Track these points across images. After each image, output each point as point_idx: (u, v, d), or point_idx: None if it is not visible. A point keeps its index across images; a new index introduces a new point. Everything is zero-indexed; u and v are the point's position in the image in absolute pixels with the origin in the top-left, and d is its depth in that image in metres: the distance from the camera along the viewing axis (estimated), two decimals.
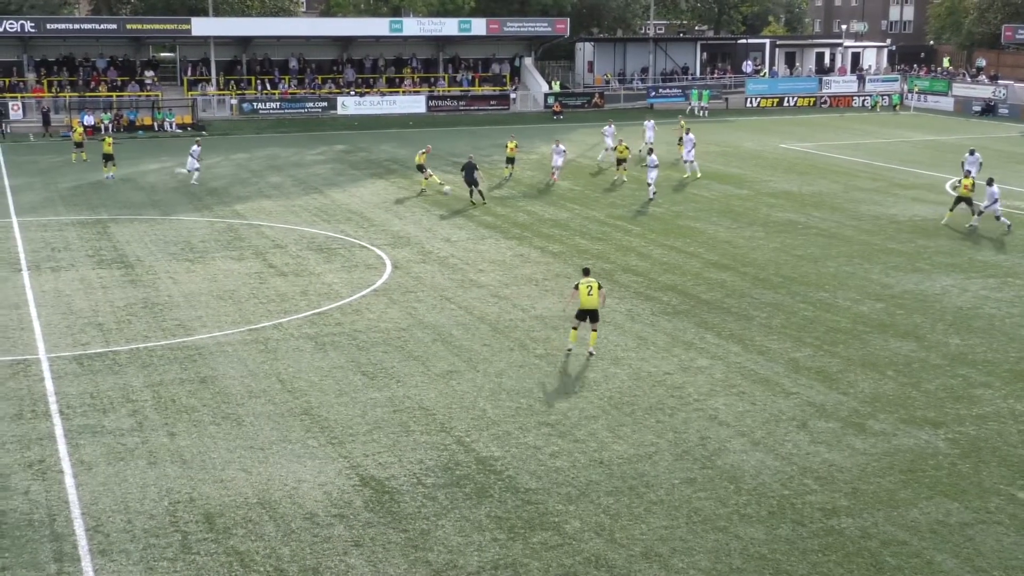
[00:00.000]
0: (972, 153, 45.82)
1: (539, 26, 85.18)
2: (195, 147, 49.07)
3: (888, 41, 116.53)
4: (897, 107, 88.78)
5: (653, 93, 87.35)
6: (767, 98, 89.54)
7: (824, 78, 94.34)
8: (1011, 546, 16.42)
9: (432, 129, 70.83)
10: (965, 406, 22.24)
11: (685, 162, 51.24)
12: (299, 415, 21.46)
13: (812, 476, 18.84)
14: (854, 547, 16.38)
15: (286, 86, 79.31)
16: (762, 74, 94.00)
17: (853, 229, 39.59)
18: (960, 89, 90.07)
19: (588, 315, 25.09)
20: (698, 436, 20.56)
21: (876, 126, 75.95)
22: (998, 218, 39.16)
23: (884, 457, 19.66)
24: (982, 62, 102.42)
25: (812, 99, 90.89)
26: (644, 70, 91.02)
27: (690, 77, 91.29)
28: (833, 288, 31.34)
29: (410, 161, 55.87)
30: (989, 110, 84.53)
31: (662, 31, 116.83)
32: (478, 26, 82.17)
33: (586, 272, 25.84)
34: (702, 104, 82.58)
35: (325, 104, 78.38)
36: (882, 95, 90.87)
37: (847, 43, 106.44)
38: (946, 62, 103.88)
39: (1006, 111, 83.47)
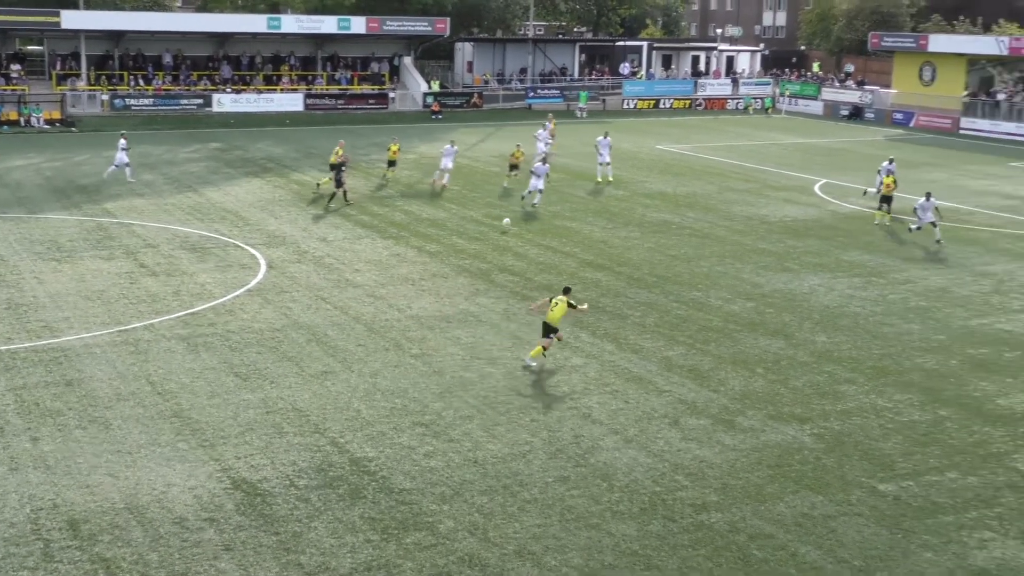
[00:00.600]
0: (891, 162, 46.59)
1: (419, 25, 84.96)
2: (122, 140, 47.93)
3: (761, 46, 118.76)
4: (769, 110, 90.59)
5: (532, 94, 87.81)
6: (644, 100, 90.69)
7: (699, 81, 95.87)
8: (871, 536, 16.91)
9: (310, 128, 70.22)
10: (830, 402, 22.81)
11: (600, 165, 50.97)
12: (169, 418, 21.09)
13: (683, 472, 19.14)
14: (723, 541, 16.69)
15: (160, 82, 77.84)
16: (639, 76, 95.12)
17: (726, 229, 40.31)
18: (829, 94, 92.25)
19: (547, 329, 24.55)
20: (572, 434, 20.74)
21: (749, 128, 77.44)
22: (917, 228, 39.37)
23: (753, 453, 20.07)
24: (850, 68, 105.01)
25: (688, 101, 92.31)
26: (523, 71, 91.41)
27: (568, 78, 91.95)
28: (706, 287, 31.88)
29: (286, 159, 55.43)
30: (856, 114, 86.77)
31: (541, 32, 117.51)
32: (357, 24, 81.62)
33: (566, 291, 25.19)
34: (580, 105, 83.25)
35: (200, 101, 77.13)
36: (755, 98, 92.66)
37: (722, 47, 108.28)
38: (816, 67, 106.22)
39: (872, 115, 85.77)
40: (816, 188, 50.46)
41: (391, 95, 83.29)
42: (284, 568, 15.66)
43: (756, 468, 19.39)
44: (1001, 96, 78.38)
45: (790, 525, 17.26)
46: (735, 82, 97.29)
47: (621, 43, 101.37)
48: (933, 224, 38.05)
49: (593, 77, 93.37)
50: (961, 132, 77.11)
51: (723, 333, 27.49)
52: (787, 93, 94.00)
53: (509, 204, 44.12)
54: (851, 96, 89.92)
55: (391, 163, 49.24)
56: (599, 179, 50.19)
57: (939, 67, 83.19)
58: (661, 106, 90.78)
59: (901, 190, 43.27)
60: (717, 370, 24.66)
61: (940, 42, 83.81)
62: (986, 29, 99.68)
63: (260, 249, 35.30)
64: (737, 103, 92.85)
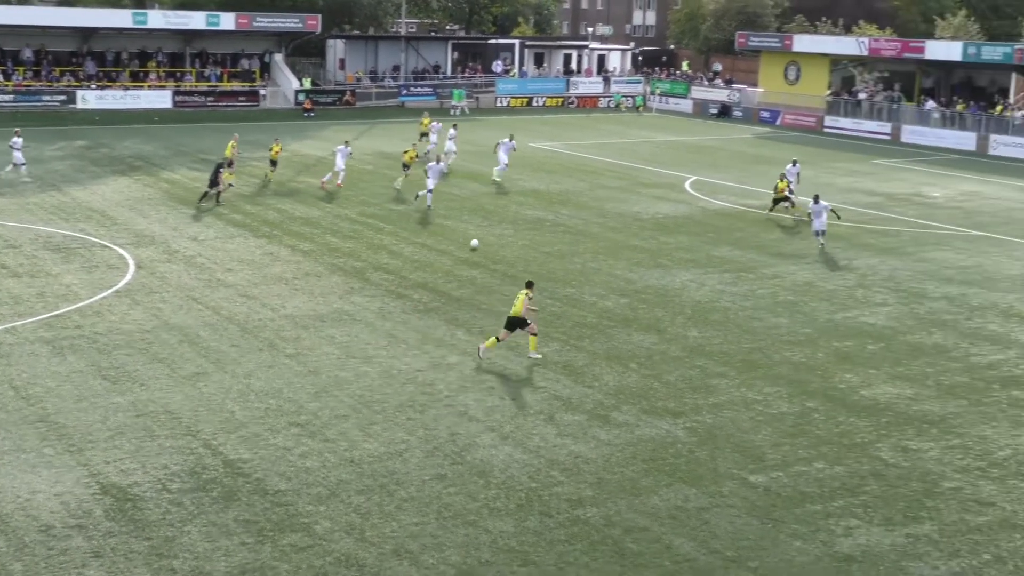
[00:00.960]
0: (794, 164, 47.31)
1: (290, 22, 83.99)
2: (16, 139, 46.41)
3: (632, 44, 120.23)
4: (640, 108, 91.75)
5: (405, 92, 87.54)
6: (517, 98, 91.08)
7: (571, 79, 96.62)
8: (743, 527, 17.26)
9: (179, 125, 68.97)
10: (703, 396, 23.21)
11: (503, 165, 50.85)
12: (34, 423, 20.52)
13: (559, 468, 19.29)
14: (599, 535, 16.86)
15: (20, 78, 75.66)
16: (512, 74, 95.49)
17: (599, 226, 40.72)
18: (698, 92, 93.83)
19: (516, 324, 24.72)
20: (448, 432, 20.75)
21: (621, 126, 78.32)
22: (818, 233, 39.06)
23: (627, 447, 20.32)
24: (718, 67, 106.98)
25: (560, 99, 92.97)
26: (396, 68, 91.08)
27: (441, 76, 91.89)
28: (580, 284, 32.16)
29: (155, 158, 54.35)
30: (725, 112, 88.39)
31: (414, 30, 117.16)
32: (226, 20, 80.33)
33: (528, 285, 25.45)
34: (454, 103, 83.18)
35: (64, 97, 75.14)
36: (626, 96, 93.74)
37: (593, 45, 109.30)
38: (685, 66, 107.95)
39: (740, 113, 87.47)
40: (687, 185, 51.28)
41: (262, 92, 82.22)
42: (156, 574, 15.37)
43: (631, 462, 19.64)
44: (862, 95, 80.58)
45: (664, 518, 17.52)
46: (606, 80, 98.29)
47: (494, 41, 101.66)
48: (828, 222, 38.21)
49: (466, 75, 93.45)
50: (825, 130, 79.07)
51: (597, 329, 27.77)
52: (657, 91, 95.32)
53: (404, 207, 43.94)
54: (719, 95, 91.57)
55: (273, 163, 48.38)
56: (496, 179, 50.12)
57: (803, 67, 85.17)
58: (534, 104, 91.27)
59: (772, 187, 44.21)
60: (591, 366, 24.90)
61: (804, 42, 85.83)
62: (847, 30, 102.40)
63: (128, 249, 34.55)
64: (609, 101, 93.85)
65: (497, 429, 20.97)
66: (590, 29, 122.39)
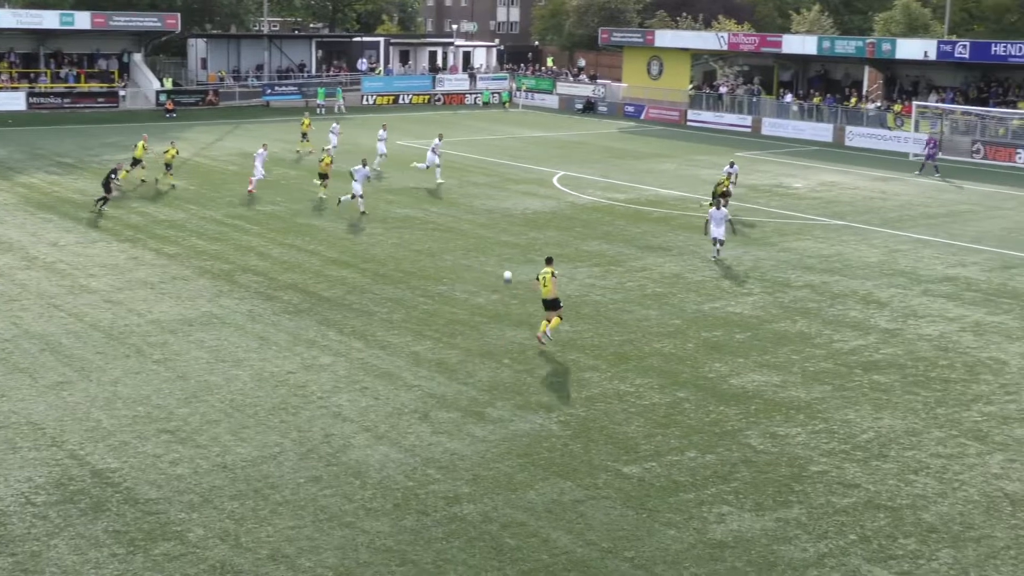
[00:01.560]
0: (732, 165, 47.48)
1: (148, 21, 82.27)
2: None
3: (497, 41, 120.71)
4: (507, 104, 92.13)
5: (269, 91, 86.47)
6: (383, 96, 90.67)
7: (437, 76, 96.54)
8: (618, 518, 17.46)
9: (35, 128, 67.09)
10: (575, 389, 23.41)
11: (437, 166, 50.31)
12: None
13: (435, 466, 19.27)
14: (476, 532, 16.89)
15: None
16: (377, 72, 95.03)
17: (469, 223, 40.77)
18: (564, 88, 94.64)
19: (548, 304, 25.85)
20: (322, 434, 20.57)
21: (487, 123, 78.53)
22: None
23: (502, 443, 20.39)
24: (582, 62, 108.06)
25: (427, 96, 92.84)
26: (259, 67, 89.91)
27: (306, 75, 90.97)
28: (451, 281, 32.16)
29: (10, 161, 52.76)
30: (590, 107, 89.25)
31: (277, 28, 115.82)
32: (82, 20, 78.32)
33: (548, 261, 26.44)
34: (319, 102, 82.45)
35: None
36: (492, 92, 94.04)
37: (458, 42, 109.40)
38: (550, 62, 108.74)
39: (605, 108, 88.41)
40: (554, 180, 51.64)
41: (121, 93, 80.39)
42: None
43: (506, 458, 19.71)
44: (723, 89, 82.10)
45: (541, 512, 17.63)
46: (472, 77, 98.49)
47: (358, 39, 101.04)
48: (726, 233, 35.21)
49: (331, 73, 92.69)
50: (688, 124, 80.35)
51: (470, 326, 27.81)
52: (523, 88, 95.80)
53: (273, 208, 43.35)
54: (584, 90, 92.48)
55: (136, 161, 47.00)
56: (440, 180, 49.77)
57: (666, 61, 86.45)
58: (400, 102, 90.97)
59: (658, 182, 44.77)
60: (465, 363, 24.93)
61: (666, 37, 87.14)
62: (707, 25, 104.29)
63: None
64: (475, 98, 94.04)
65: (372, 429, 20.86)
66: (455, 26, 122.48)
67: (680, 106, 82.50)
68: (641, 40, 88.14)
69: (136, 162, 46.92)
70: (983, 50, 66.35)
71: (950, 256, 36.86)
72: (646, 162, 58.86)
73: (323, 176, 44.70)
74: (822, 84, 78.43)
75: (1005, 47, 65.67)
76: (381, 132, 54.17)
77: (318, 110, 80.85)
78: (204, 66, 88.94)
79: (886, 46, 71.18)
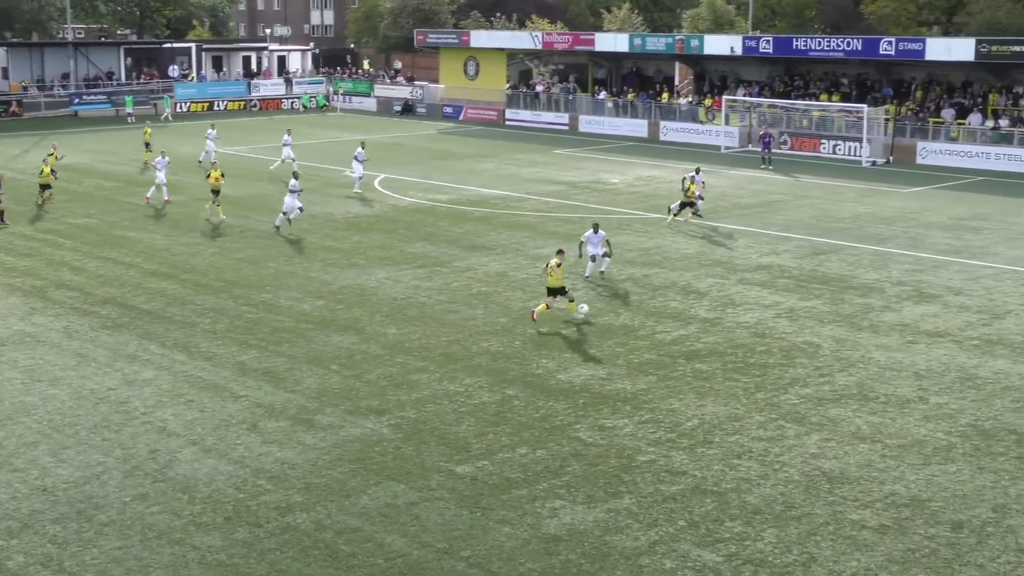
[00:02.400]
0: (698, 172, 44.07)
1: None
2: None
3: (312, 44, 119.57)
4: (325, 108, 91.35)
5: (77, 100, 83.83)
6: (197, 102, 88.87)
7: (252, 81, 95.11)
8: (452, 518, 17.51)
9: None
10: (405, 392, 23.38)
11: (358, 177, 49.38)
12: None
13: (265, 476, 19.00)
14: (310, 540, 16.72)
15: None
16: (190, 78, 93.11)
17: (292, 229, 40.25)
18: (381, 90, 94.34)
19: (555, 292, 28.10)
20: (148, 450, 20.07)
21: (306, 128, 77.66)
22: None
23: (334, 449, 20.23)
24: (399, 64, 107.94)
25: (242, 103, 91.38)
26: (65, 76, 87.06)
27: (116, 83, 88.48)
28: (275, 288, 31.74)
29: None
30: (408, 110, 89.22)
31: (82, 35, 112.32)
32: None
33: (559, 252, 28.58)
34: (127, 110, 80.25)
35: None
36: (310, 97, 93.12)
37: (272, 47, 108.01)
38: (367, 64, 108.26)
39: (424, 110, 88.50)
40: (376, 184, 51.44)
41: None
42: None
43: (338, 464, 19.57)
44: (540, 88, 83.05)
45: (375, 516, 17.56)
46: (288, 82, 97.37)
47: (168, 45, 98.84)
48: (606, 255, 33.22)
49: (142, 81, 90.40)
50: (507, 123, 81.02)
51: (296, 333, 27.50)
52: (341, 91, 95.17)
53: (58, 214, 41.94)
54: (402, 92, 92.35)
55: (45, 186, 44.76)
56: (357, 189, 49.03)
57: (482, 62, 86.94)
58: (216, 108, 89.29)
59: (479, 182, 44.92)
60: (292, 370, 24.65)
61: (481, 38, 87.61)
62: (521, 25, 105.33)
63: None
64: (292, 102, 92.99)
65: (199, 442, 20.45)
66: (268, 30, 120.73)
67: (498, 106, 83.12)
68: (457, 41, 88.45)
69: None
70: (785, 45, 68.65)
71: (763, 245, 38.06)
72: (466, 162, 59.12)
73: (215, 192, 42.02)
74: (635, 81, 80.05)
75: (805, 42, 68.08)
76: (286, 137, 54.61)
77: (128, 118, 78.68)
78: (5, 76, 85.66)
79: (694, 42, 73.05)
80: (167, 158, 47.22)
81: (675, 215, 41.87)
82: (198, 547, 16.48)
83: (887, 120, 62.42)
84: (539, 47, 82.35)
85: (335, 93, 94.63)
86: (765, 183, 53.03)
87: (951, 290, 31.94)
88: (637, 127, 73.95)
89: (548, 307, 28.28)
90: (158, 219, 41.75)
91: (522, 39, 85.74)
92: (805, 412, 22.30)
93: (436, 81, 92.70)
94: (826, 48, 65.83)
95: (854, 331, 27.89)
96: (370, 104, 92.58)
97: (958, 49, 61.40)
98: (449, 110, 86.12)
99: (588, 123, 76.71)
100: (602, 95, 78.98)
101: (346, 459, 19.80)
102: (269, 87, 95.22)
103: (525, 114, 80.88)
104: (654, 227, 41.38)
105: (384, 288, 31.95)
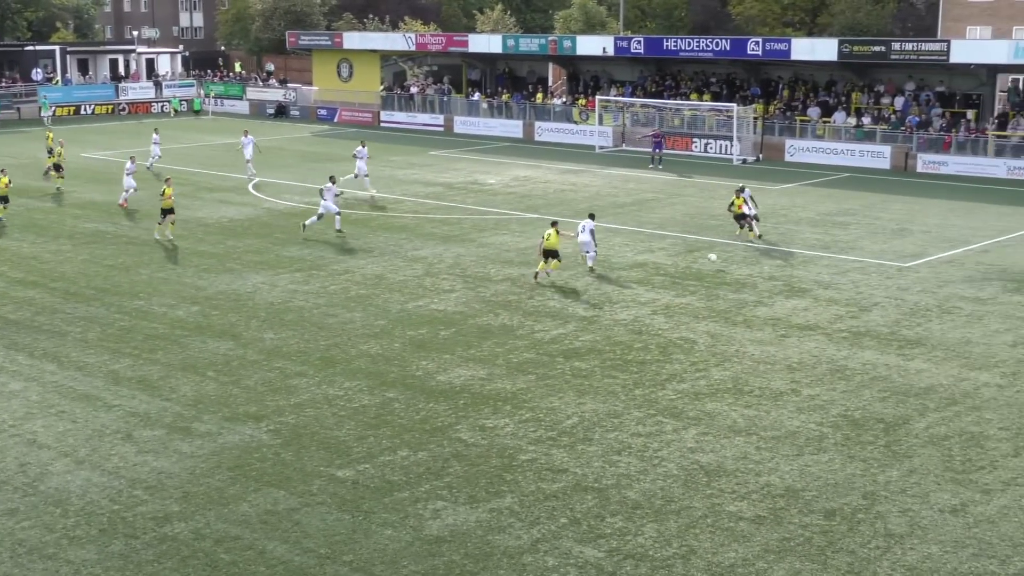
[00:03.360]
0: (744, 190, 42.06)
1: None
2: None
3: (181, 47, 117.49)
4: (197, 112, 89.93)
5: None
6: (63, 106, 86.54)
7: (120, 85, 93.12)
8: (334, 523, 17.39)
9: None
10: (284, 397, 23.14)
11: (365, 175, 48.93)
12: None
13: (142, 487, 18.64)
14: (189, 550, 16.45)
15: None
16: (55, 82, 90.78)
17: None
18: (254, 93, 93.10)
19: (549, 255, 32.66)
20: (17, 463, 19.53)
21: (177, 131, 76.38)
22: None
23: (211, 457, 19.93)
24: (271, 67, 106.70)
25: (110, 106, 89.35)
26: None
27: None
28: (148, 295, 31.15)
29: None
30: (282, 112, 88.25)
31: None
32: None
33: (553, 224, 33.08)
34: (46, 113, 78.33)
35: None
36: (181, 100, 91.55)
37: (141, 49, 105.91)
38: (238, 67, 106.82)
39: (297, 113, 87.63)
40: (250, 187, 50.81)
41: None
42: None
43: (216, 472, 19.28)
44: (414, 89, 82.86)
45: (255, 524, 17.34)
46: (158, 85, 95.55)
47: (31, 48, 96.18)
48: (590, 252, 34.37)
49: (4, 85, 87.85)
50: (382, 125, 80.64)
51: (170, 340, 27.02)
52: (212, 94, 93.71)
53: (8, 237, 40.56)
54: (275, 94, 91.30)
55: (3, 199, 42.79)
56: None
57: (355, 64, 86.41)
58: (83, 112, 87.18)
59: (354, 184, 44.42)
60: (167, 378, 24.22)
61: (354, 40, 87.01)
62: (394, 27, 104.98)
63: None
64: (162, 106, 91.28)
65: (71, 454, 19.97)
66: (135, 32, 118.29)
67: (372, 108, 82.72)
68: (329, 43, 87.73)
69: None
70: (656, 45, 69.56)
71: (639, 243, 38.53)
72: (342, 165, 58.53)
73: (167, 212, 38.67)
74: (509, 81, 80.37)
75: (676, 42, 69.11)
76: (156, 135, 55.10)
77: (45, 119, 76.60)
78: None
79: (567, 43, 73.60)
80: (135, 164, 46.47)
81: (751, 232, 38.94)
82: (72, 561, 16.10)
83: (756, 119, 63.69)
84: (413, 48, 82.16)
85: (206, 96, 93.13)
86: (639, 182, 53.70)
87: (820, 284, 32.74)
88: (512, 128, 74.25)
89: (547, 262, 32.81)
90: (24, 227, 40.62)
91: (395, 41, 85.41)
92: (682, 407, 22.64)
93: (309, 83, 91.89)
94: (696, 49, 66.89)
95: (728, 326, 28.42)
96: (243, 107, 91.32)
97: (822, 49, 62.94)
98: (323, 112, 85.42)
99: (463, 124, 76.79)
100: (476, 96, 79.12)
101: (224, 466, 19.52)
102: (138, 90, 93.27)
103: (400, 116, 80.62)
104: (531, 226, 41.59)
105: (260, 293, 31.59)
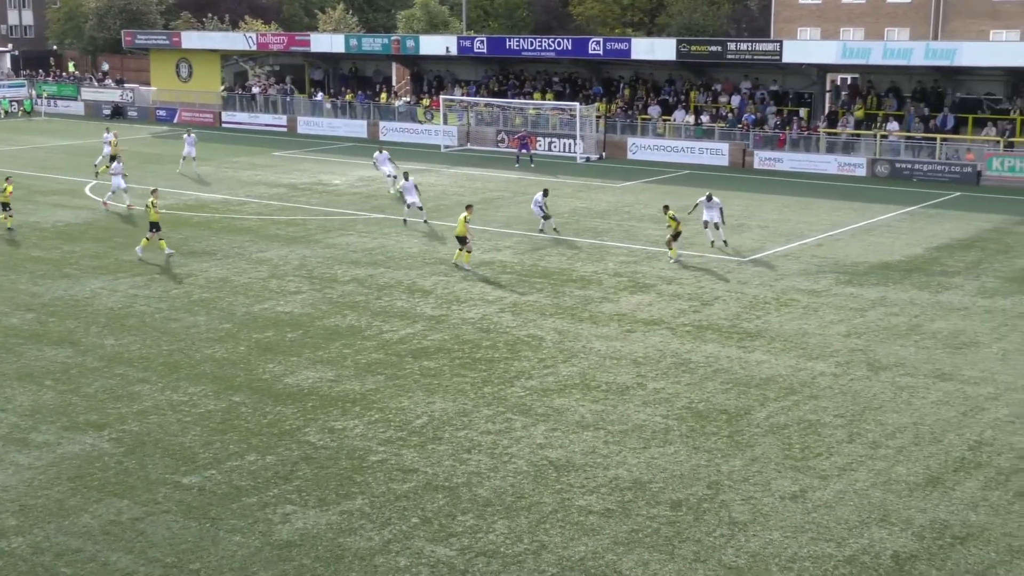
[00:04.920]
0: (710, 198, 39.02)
1: None
2: None
3: (11, 46, 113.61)
4: (29, 113, 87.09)
5: None
6: None
7: None
8: (180, 531, 17.04)
9: None
10: (126, 404, 22.58)
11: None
12: None
13: None
14: (27, 566, 15.93)
15: None
16: None
17: None
18: (89, 93, 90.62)
19: (460, 241, 34.06)
20: None
21: (7, 133, 73.94)
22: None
23: (50, 468, 19.34)
24: (106, 66, 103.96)
25: None
26: None
27: None
28: None
29: None
30: (119, 113, 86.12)
31: None
32: None
33: (468, 207, 35.35)
34: None
35: None
36: (11, 101, 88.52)
37: None
38: (71, 67, 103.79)
39: (135, 113, 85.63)
40: (87, 190, 49.47)
41: None
42: None
43: (56, 483, 18.72)
44: (256, 89, 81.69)
45: (98, 535, 16.89)
46: None
47: None
48: (546, 216, 40.42)
49: None
50: (224, 126, 79.33)
51: (4, 348, 26.13)
52: (44, 95, 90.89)
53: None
54: (112, 95, 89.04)
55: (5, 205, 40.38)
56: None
57: (195, 63, 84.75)
58: None
59: (196, 186, 43.70)
60: (2, 387, 23.42)
61: (193, 39, 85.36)
62: (234, 26, 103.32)
63: None
64: None
65: None
66: None
67: (213, 108, 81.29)
68: (167, 42, 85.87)
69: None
70: (499, 45, 69.94)
71: (485, 242, 38.67)
72: (169, 166, 57.42)
73: (155, 227, 35.71)
74: (353, 81, 79.84)
75: (518, 42, 69.62)
76: (107, 134, 54.32)
77: None
78: None
79: (410, 43, 73.47)
80: (121, 164, 45.60)
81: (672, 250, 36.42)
82: None
83: (598, 118, 64.54)
84: (254, 48, 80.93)
85: (39, 97, 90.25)
86: (485, 181, 53.93)
87: (664, 279, 33.36)
88: (357, 128, 73.79)
89: (463, 251, 34.28)
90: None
91: (236, 40, 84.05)
92: (531, 404, 22.82)
93: (147, 83, 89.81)
94: (538, 48, 67.47)
95: (575, 322, 28.75)
96: (77, 108, 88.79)
97: (661, 49, 64.13)
98: (162, 113, 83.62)
99: (307, 124, 76.01)
100: (320, 96, 78.40)
101: (64, 477, 18.96)
102: None
103: (242, 116, 79.41)
104: (377, 227, 41.42)
105: (100, 298, 30.76)
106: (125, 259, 35.50)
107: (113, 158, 47.63)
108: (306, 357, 25.83)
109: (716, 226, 37.95)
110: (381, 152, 52.32)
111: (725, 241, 37.91)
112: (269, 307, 30.15)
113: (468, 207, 35.51)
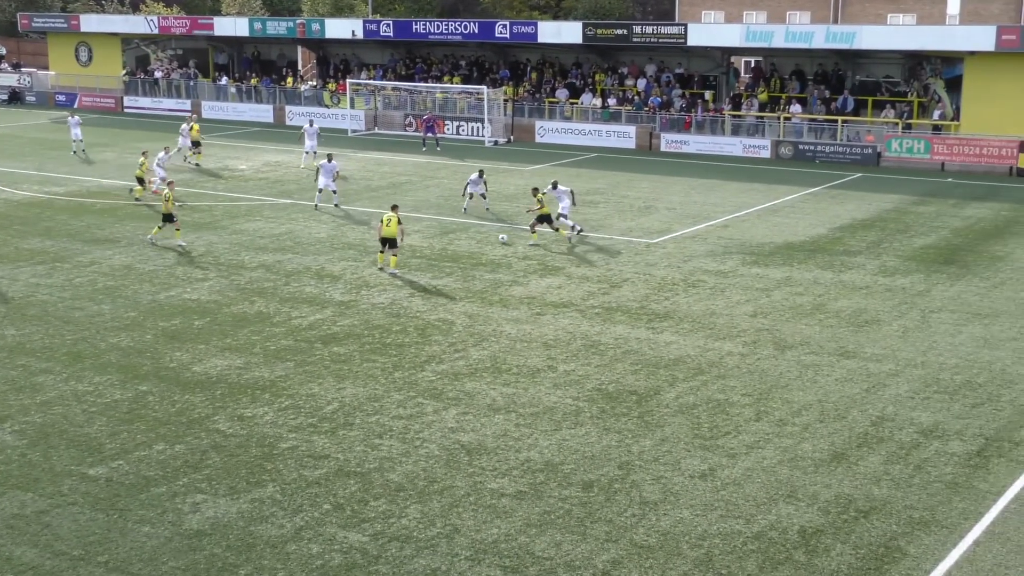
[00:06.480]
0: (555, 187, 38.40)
1: None
2: None
3: None
4: None
5: None
6: None
7: None
8: (87, 523, 16.78)
9: None
10: (28, 395, 22.16)
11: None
12: None
13: None
14: None
15: None
16: None
17: None
18: None
19: (387, 243, 31.51)
20: None
21: None
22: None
23: None
24: (2, 50, 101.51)
25: None
26: None
27: None
28: None
29: None
30: (16, 98, 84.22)
31: None
32: None
33: (393, 208, 32.15)
34: None
35: None
36: None
37: None
38: None
39: (34, 99, 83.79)
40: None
41: None
42: None
43: None
44: (158, 74, 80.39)
45: (1, 529, 16.56)
46: None
47: None
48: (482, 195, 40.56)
49: None
50: (126, 111, 77.99)
51: None
52: None
53: None
54: (8, 79, 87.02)
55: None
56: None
57: (95, 47, 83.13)
58: None
59: (98, 172, 42.92)
60: None
61: (92, 22, 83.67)
62: (135, 9, 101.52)
63: None
64: None
65: None
66: None
67: (115, 93, 79.83)
68: (66, 25, 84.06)
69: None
70: (405, 28, 69.67)
71: None
72: (93, 152, 56.39)
73: (168, 218, 35.15)
74: (257, 65, 78.94)
75: (425, 25, 69.40)
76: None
77: None
78: None
79: (316, 26, 72.80)
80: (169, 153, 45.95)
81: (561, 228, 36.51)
82: None
83: (506, 101, 64.63)
84: (156, 31, 79.58)
85: None
86: (393, 165, 53.72)
87: (573, 262, 33.55)
88: (262, 112, 73.00)
89: (383, 254, 32.25)
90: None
91: (137, 23, 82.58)
92: (442, 388, 22.83)
93: (46, 68, 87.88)
94: (445, 31, 67.29)
95: (485, 306, 28.80)
96: None
97: (567, 32, 64.39)
98: (62, 98, 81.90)
99: (212, 109, 74.98)
100: (224, 80, 77.40)
101: None
102: None
103: (145, 101, 78.12)
104: (284, 212, 41.06)
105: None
106: (26, 247, 34.80)
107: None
108: (214, 345, 25.55)
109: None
110: (312, 125, 52.46)
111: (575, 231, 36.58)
112: (175, 295, 29.76)
113: (394, 207, 32.36)
